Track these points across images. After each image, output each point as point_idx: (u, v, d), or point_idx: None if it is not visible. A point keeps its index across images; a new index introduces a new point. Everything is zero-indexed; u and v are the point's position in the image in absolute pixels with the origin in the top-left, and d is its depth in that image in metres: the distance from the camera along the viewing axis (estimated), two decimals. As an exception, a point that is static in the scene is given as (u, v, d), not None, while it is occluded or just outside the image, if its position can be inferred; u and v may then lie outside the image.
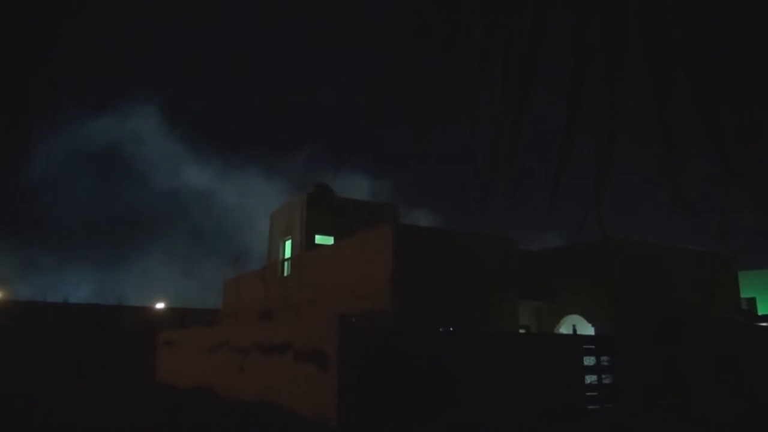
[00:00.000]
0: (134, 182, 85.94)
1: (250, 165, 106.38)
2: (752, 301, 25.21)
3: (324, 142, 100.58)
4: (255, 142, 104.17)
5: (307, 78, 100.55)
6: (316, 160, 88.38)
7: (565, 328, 18.56)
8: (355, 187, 55.79)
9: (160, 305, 37.80)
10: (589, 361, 13.82)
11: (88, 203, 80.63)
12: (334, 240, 21.31)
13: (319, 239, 21.71)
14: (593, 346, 14.11)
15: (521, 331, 17.78)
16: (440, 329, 14.77)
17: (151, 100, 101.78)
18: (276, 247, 24.07)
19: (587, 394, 13.54)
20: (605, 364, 13.93)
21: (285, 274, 22.62)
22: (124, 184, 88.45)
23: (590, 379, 13.75)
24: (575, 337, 14.76)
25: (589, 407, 13.28)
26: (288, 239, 23.20)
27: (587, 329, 17.48)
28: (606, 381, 13.83)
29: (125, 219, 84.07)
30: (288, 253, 23.05)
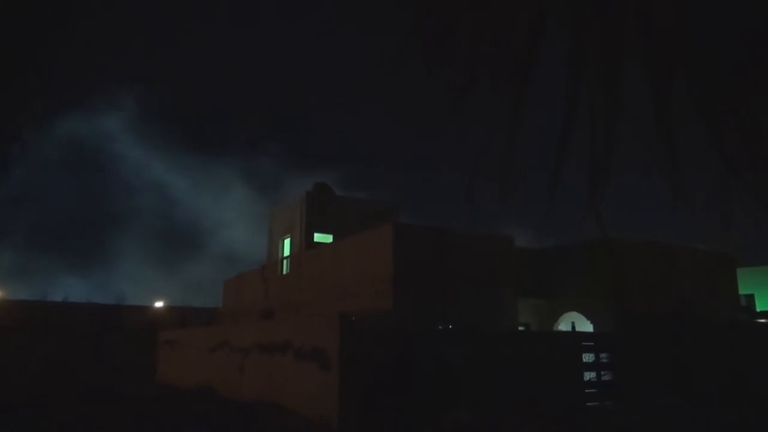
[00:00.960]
0: (105, 181, 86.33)
1: (227, 166, 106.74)
2: (751, 298, 25.27)
3: (299, 147, 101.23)
4: (232, 144, 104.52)
5: (288, 79, 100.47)
6: (290, 163, 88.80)
7: (564, 326, 18.57)
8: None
9: (159, 304, 37.81)
10: (588, 358, 13.84)
11: (67, 204, 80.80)
12: (333, 238, 21.32)
13: (319, 237, 21.73)
14: (592, 343, 14.14)
15: (521, 328, 17.79)
16: (440, 327, 14.78)
17: (129, 99, 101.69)
18: (275, 246, 24.09)
19: (587, 391, 13.56)
20: (604, 361, 13.95)
21: (285, 272, 22.63)
22: (94, 182, 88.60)
23: (589, 375, 13.77)
24: (574, 335, 14.78)
25: (589, 404, 13.30)
26: (287, 237, 23.21)
27: (586, 326, 17.50)
28: (605, 378, 13.85)
29: (98, 218, 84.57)
30: (287, 252, 23.06)
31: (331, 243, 20.95)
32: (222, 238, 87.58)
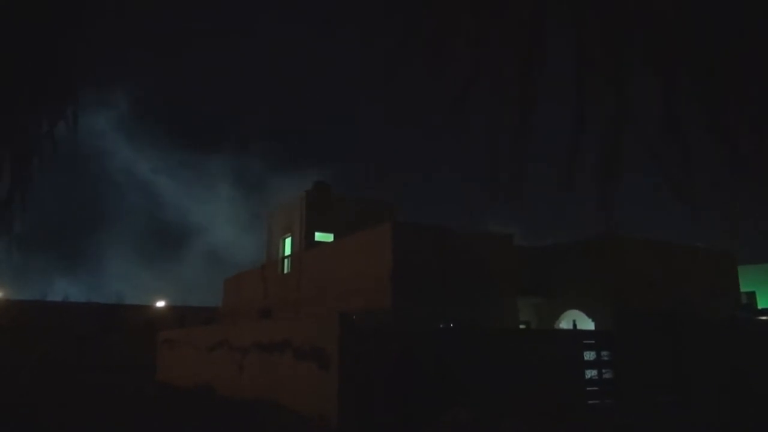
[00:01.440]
0: (96, 180, 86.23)
1: (224, 165, 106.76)
2: (752, 295, 25.24)
3: (297, 146, 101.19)
4: (227, 142, 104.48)
5: (287, 79, 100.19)
6: (290, 163, 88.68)
7: (565, 323, 18.55)
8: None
9: (159, 303, 37.81)
10: (589, 356, 13.83)
11: (61, 203, 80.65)
12: (334, 237, 21.31)
13: (319, 236, 21.71)
14: (593, 341, 14.13)
15: (521, 326, 17.79)
16: (440, 326, 14.78)
17: (119, 97, 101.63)
18: (275, 245, 24.06)
19: (588, 389, 13.55)
20: (605, 359, 13.94)
21: (285, 271, 22.63)
22: (85, 181, 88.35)
23: (590, 373, 13.76)
24: (575, 333, 14.76)
25: (589, 402, 13.29)
26: (288, 236, 23.19)
27: (587, 324, 17.49)
28: (606, 375, 13.84)
29: (90, 218, 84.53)
30: (288, 251, 23.05)
31: (331, 242, 20.94)
32: (218, 237, 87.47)
